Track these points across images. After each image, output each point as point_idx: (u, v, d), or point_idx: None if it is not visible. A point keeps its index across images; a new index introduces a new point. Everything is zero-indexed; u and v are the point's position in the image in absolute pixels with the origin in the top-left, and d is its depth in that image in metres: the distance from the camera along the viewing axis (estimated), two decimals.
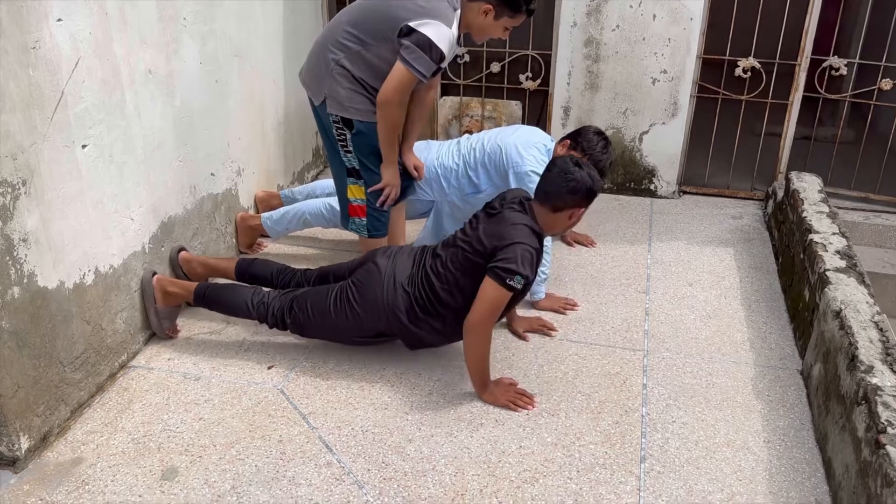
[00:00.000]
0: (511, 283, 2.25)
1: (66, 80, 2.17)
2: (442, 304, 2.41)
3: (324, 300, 2.52)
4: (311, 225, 3.32)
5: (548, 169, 2.40)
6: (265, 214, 3.35)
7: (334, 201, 3.10)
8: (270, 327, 2.62)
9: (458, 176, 3.10)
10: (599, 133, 2.89)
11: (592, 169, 2.39)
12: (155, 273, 2.70)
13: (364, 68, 2.58)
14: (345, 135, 2.68)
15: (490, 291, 2.29)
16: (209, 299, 2.67)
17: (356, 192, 2.81)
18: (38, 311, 2.15)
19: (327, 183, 3.43)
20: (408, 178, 2.96)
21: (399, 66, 2.49)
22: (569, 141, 2.90)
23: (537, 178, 2.51)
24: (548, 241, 2.53)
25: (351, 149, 2.71)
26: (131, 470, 2.16)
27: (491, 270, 2.28)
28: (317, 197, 3.45)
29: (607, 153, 2.87)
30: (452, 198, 3.19)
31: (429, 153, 3.14)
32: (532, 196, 2.45)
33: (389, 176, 2.76)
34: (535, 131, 3.04)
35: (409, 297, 2.43)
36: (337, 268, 2.70)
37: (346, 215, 2.88)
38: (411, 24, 2.45)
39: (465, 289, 2.37)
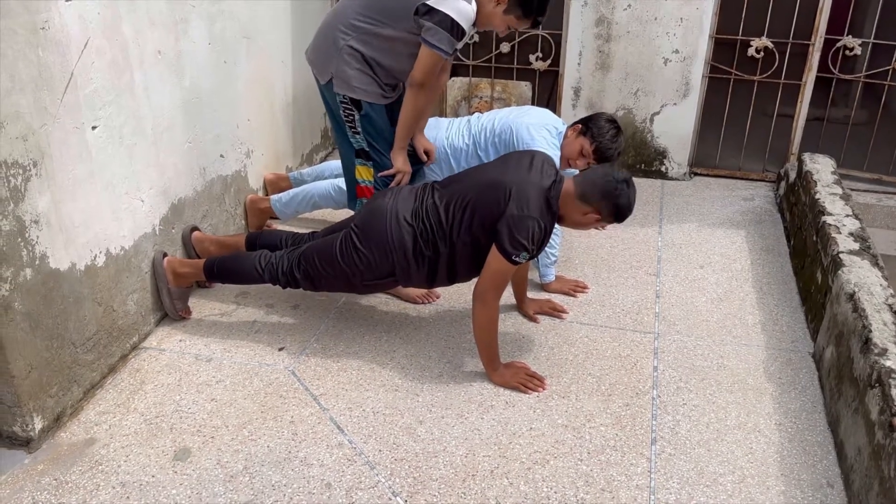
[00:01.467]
0: (517, 258, 2.27)
1: (75, 62, 2.16)
2: (444, 239, 2.40)
3: (330, 248, 2.51)
4: (321, 206, 3.32)
5: (603, 166, 2.37)
6: (274, 197, 3.34)
7: (342, 182, 3.09)
8: (284, 287, 2.62)
9: (467, 157, 3.08)
10: (612, 121, 2.88)
11: (632, 198, 2.35)
12: (165, 254, 2.71)
13: (375, 48, 2.56)
14: (353, 115, 2.66)
15: (495, 263, 2.31)
16: (219, 272, 2.68)
17: (364, 174, 2.79)
18: (50, 293, 2.15)
19: (335, 164, 3.42)
20: (417, 163, 2.95)
21: (425, 50, 2.48)
22: (580, 126, 2.89)
23: None
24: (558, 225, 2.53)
25: (359, 130, 2.69)
26: (144, 450, 2.17)
27: (500, 243, 2.28)
28: (325, 178, 3.44)
29: (617, 142, 2.85)
30: None
31: (438, 132, 3.12)
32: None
33: (401, 162, 2.74)
34: (545, 113, 3.02)
35: (414, 231, 2.42)
36: (343, 223, 2.68)
37: (354, 196, 2.87)
38: (429, 2, 2.42)
39: (471, 226, 2.36)
